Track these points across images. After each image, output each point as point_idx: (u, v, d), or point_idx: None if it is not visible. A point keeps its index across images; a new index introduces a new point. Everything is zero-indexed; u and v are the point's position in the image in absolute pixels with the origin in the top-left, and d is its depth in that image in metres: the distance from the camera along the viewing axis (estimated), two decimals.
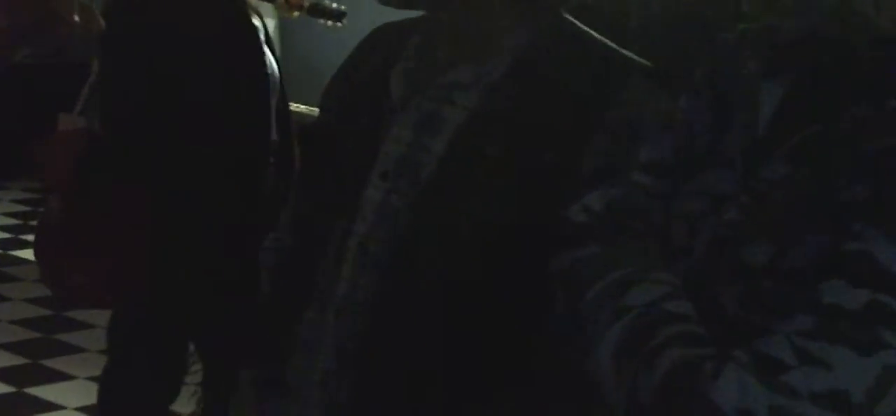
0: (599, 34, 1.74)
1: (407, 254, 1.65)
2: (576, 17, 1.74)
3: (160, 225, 3.03)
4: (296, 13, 3.52)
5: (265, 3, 3.44)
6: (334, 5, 3.60)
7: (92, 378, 4.29)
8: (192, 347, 3.36)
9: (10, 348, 5.16)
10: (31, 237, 3.77)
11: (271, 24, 3.57)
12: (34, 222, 3.77)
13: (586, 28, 1.74)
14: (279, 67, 3.29)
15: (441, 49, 1.73)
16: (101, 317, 4.17)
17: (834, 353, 1.24)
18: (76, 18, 3.17)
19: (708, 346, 1.31)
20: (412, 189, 1.67)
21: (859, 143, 1.32)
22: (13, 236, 6.68)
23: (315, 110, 2.15)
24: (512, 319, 1.62)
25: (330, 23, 3.56)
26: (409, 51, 1.76)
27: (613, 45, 1.73)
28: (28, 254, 5.43)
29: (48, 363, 5.03)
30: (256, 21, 3.23)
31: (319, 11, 3.55)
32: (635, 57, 1.73)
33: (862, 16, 1.35)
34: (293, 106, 3.48)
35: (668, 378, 1.29)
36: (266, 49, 3.23)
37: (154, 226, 3.03)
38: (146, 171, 3.04)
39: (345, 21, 3.54)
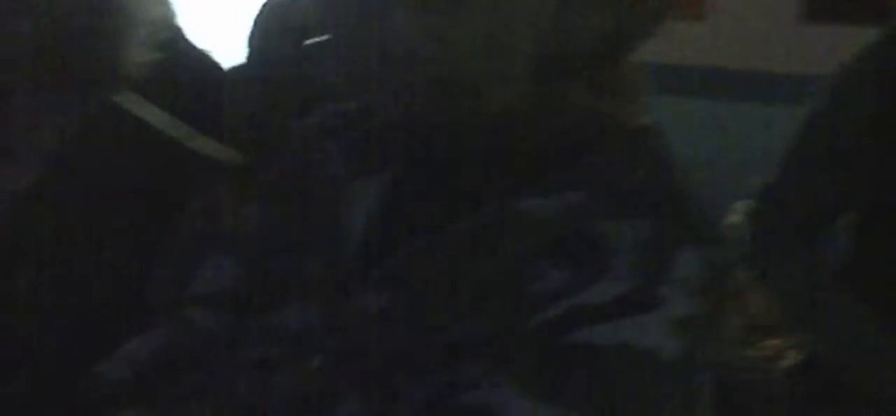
0: (172, 118, 1.41)
1: None
2: (144, 95, 1.40)
3: None
4: None
5: None
6: None
7: None
8: None
9: None
10: None
11: None
12: None
13: (151, 114, 1.41)
14: None
15: None
16: None
17: None
18: None
19: None
20: None
21: (476, 259, 1.03)
22: None
23: None
24: None
25: None
26: None
27: (186, 134, 1.41)
28: None
29: None
30: None
31: None
32: (217, 149, 1.41)
33: (479, 92, 1.02)
34: None
35: None
36: None
37: None
38: None
39: None
